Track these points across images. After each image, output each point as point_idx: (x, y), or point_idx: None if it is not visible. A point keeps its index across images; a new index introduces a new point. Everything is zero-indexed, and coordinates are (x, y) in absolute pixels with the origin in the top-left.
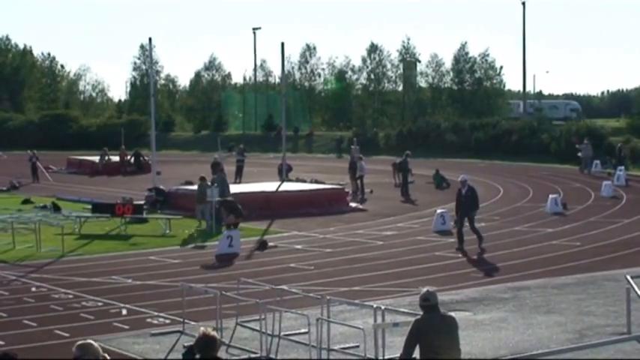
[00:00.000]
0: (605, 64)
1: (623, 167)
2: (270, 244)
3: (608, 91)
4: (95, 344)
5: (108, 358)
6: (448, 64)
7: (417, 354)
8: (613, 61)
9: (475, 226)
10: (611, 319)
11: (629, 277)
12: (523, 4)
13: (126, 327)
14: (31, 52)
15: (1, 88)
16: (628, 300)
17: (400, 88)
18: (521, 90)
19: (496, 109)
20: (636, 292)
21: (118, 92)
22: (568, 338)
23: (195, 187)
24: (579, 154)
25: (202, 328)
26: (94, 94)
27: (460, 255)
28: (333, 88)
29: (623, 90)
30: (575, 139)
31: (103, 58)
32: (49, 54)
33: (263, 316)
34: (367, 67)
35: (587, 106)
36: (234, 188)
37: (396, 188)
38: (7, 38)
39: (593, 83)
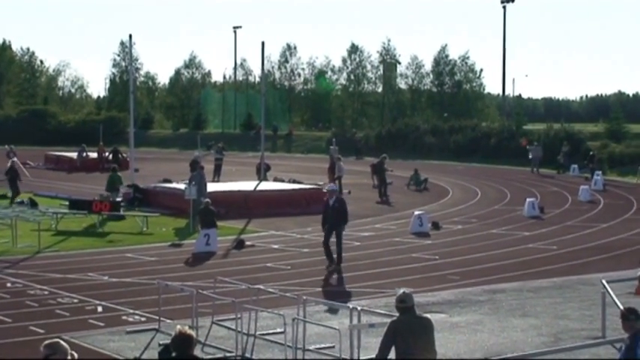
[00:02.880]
0: (585, 69)
1: (600, 172)
2: (248, 243)
3: (586, 95)
4: (63, 343)
5: (76, 356)
6: (428, 66)
7: (392, 355)
8: (592, 66)
9: (342, 243)
10: (587, 323)
11: (604, 282)
12: (504, 7)
13: (101, 324)
14: (10, 46)
15: None
16: (603, 304)
17: (380, 90)
18: (501, 93)
19: (475, 111)
20: (611, 297)
21: (97, 89)
22: (543, 342)
23: (173, 184)
24: (530, 155)
25: (178, 327)
26: (73, 90)
27: (435, 257)
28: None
29: (601, 95)
30: (524, 142)
31: (82, 54)
32: (28, 49)
33: (239, 315)
34: (347, 67)
35: (566, 110)
36: (213, 187)
37: (374, 189)
38: None
39: (572, 88)
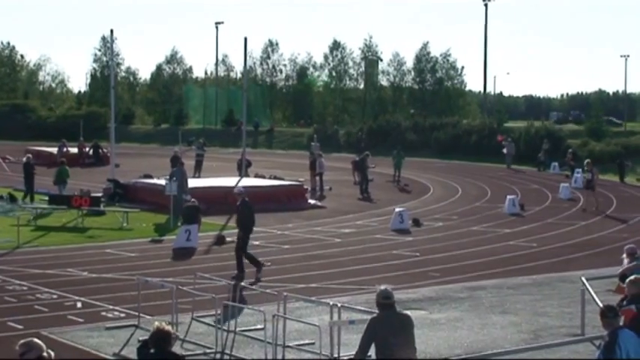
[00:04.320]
0: (566, 67)
1: (580, 170)
2: (228, 239)
3: (567, 93)
4: (38, 341)
5: (52, 354)
6: (410, 63)
7: (372, 352)
8: (573, 64)
9: (244, 251)
10: (566, 321)
11: (584, 279)
12: (485, 5)
13: (80, 320)
14: None
15: None
16: (582, 302)
17: (362, 86)
18: (482, 91)
19: (457, 109)
20: (591, 294)
21: (78, 83)
22: (523, 338)
23: (153, 180)
24: (504, 150)
25: (157, 323)
26: (53, 85)
27: (416, 254)
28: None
29: (582, 93)
30: (500, 138)
31: (63, 48)
32: (8, 43)
33: (219, 312)
34: (329, 64)
35: (547, 107)
36: (193, 182)
37: (355, 186)
38: None
39: (553, 86)
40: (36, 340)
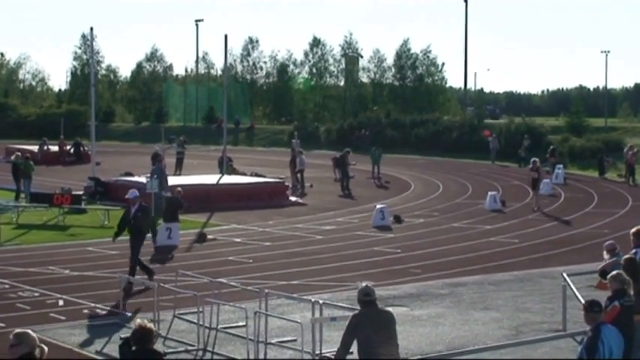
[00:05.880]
0: (546, 63)
1: (561, 165)
2: (210, 236)
3: (548, 89)
4: (32, 334)
5: (45, 348)
6: (390, 59)
7: (354, 349)
8: (554, 60)
9: (140, 259)
10: (547, 316)
11: (565, 275)
12: (465, 1)
13: (62, 318)
14: None
15: None
16: (564, 297)
17: (342, 83)
18: (463, 87)
19: (437, 105)
20: (572, 290)
21: (58, 82)
22: (504, 334)
23: (134, 178)
24: (490, 145)
25: (138, 320)
26: (34, 83)
27: (397, 250)
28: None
29: (563, 89)
30: (487, 133)
31: (43, 46)
32: None
33: (201, 309)
34: (309, 61)
35: (528, 104)
36: (174, 180)
37: (336, 183)
38: None
39: (534, 82)
40: (30, 333)
